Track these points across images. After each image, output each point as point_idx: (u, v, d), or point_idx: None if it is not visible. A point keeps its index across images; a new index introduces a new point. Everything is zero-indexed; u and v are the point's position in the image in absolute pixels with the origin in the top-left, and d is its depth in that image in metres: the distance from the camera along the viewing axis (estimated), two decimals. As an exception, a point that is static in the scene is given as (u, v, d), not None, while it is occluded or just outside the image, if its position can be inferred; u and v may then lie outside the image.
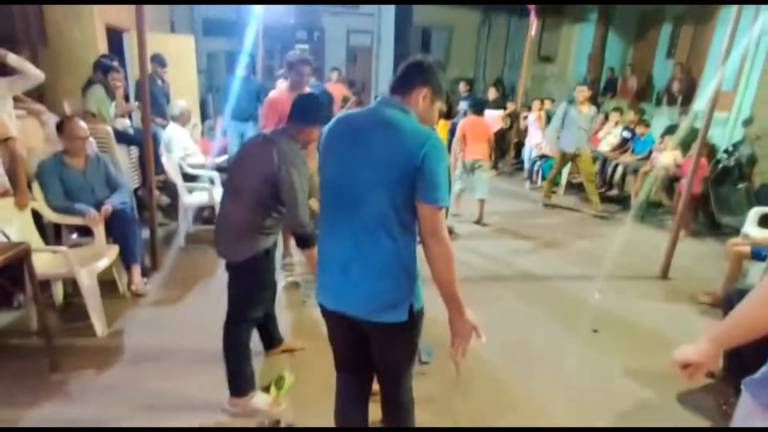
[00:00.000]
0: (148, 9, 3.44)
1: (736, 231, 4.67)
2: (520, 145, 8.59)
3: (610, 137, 7.16)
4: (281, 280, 3.44)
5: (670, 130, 6.38)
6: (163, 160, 4.31)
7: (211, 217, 4.47)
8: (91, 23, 5.83)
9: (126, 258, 3.23)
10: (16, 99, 3.64)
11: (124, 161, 4.47)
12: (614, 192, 6.63)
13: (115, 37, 6.49)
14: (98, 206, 3.16)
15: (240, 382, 2.20)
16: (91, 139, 3.42)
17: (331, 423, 1.78)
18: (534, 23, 8.19)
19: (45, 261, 2.78)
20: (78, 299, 2.85)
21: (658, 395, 2.56)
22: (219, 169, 4.79)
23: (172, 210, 4.74)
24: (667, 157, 5.70)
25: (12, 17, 5.61)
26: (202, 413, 2.23)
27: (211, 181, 4.45)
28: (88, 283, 2.75)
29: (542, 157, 7.15)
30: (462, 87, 7.60)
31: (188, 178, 4.48)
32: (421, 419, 1.79)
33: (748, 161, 5.41)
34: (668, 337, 3.14)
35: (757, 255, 3.31)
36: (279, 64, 10.96)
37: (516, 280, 3.94)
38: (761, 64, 5.95)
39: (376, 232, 1.42)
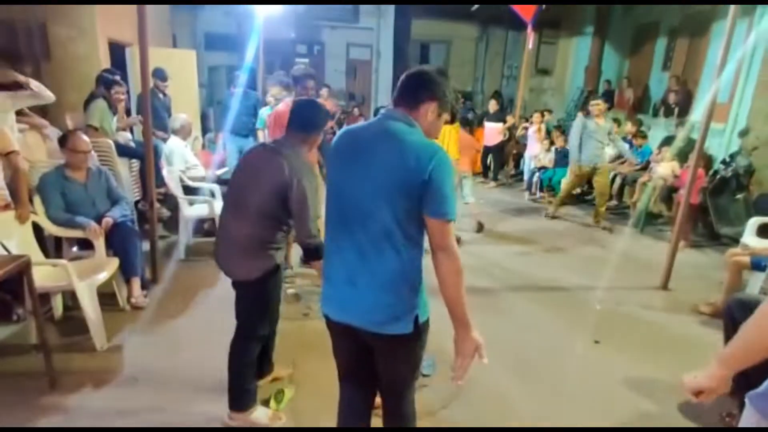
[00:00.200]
0: (151, 24, 3.49)
1: (735, 241, 4.68)
2: (518, 157, 8.65)
3: (608, 148, 7.20)
4: (282, 291, 3.44)
5: (668, 141, 6.44)
6: (164, 172, 4.34)
7: (211, 230, 4.47)
8: (94, 38, 5.90)
9: (126, 271, 3.23)
10: (19, 113, 3.68)
11: (126, 174, 4.50)
12: (613, 203, 6.66)
13: (117, 51, 6.57)
14: (99, 219, 3.17)
15: (243, 397, 2.18)
16: (92, 152, 3.45)
17: (332, 435, 1.77)
18: (531, 37, 8.30)
19: (45, 274, 2.78)
20: (77, 312, 2.84)
21: (659, 406, 2.54)
22: (220, 181, 4.81)
23: (172, 222, 4.75)
24: (665, 167, 5.74)
25: (15, 32, 5.69)
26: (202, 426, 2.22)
27: (212, 194, 4.47)
28: (87, 296, 2.75)
29: (540, 168, 7.19)
30: None
31: (189, 190, 4.50)
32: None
33: (745, 172, 5.44)
34: (669, 348, 3.13)
35: (756, 265, 3.31)
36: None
37: (516, 291, 3.93)
38: (756, 76, 6.01)
39: (381, 244, 1.42)
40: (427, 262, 1.48)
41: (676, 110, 7.45)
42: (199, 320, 3.19)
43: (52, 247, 3.33)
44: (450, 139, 5.28)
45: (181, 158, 4.68)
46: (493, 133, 7.85)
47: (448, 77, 1.52)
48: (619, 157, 6.94)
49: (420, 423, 1.75)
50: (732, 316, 2.45)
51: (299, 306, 3.44)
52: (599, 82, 10.27)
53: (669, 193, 5.68)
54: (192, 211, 4.35)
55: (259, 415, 2.22)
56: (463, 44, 13.33)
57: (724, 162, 5.69)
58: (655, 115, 8.18)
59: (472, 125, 5.93)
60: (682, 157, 5.73)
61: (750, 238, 4.16)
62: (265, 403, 2.35)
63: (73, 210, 3.15)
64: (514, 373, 2.78)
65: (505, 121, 8.02)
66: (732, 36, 3.47)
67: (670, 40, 8.51)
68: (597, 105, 5.48)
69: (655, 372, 2.81)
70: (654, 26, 8.84)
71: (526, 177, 7.57)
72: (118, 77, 4.84)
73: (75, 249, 3.42)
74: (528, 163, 7.54)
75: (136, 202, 4.67)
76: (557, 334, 3.28)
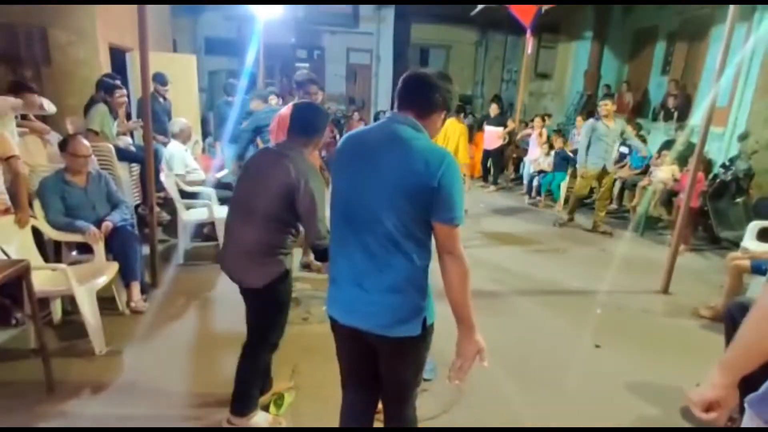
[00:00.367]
0: (151, 28, 3.50)
1: (735, 245, 4.68)
2: (518, 161, 8.66)
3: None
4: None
5: (668, 145, 6.44)
6: (162, 177, 4.33)
7: (211, 234, 4.47)
8: (95, 43, 5.93)
9: (125, 275, 3.22)
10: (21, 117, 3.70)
11: (126, 178, 4.50)
12: (613, 206, 6.66)
13: (118, 56, 6.59)
14: (99, 223, 3.16)
15: (246, 402, 2.16)
16: (92, 156, 3.45)
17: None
18: (530, 41, 8.33)
19: (44, 278, 2.78)
20: (77, 316, 2.84)
21: (661, 410, 2.53)
22: (220, 185, 4.80)
23: (172, 227, 4.74)
24: (665, 171, 5.74)
25: (16, 37, 5.71)
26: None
27: (211, 198, 4.46)
28: (86, 300, 2.74)
29: (540, 172, 7.20)
30: None
31: (188, 195, 4.50)
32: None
33: (745, 175, 5.44)
34: (670, 352, 3.11)
35: (757, 269, 3.30)
36: (279, 82, 11.11)
37: (516, 295, 3.92)
38: (755, 80, 6.03)
39: (389, 247, 1.42)
40: (432, 264, 1.48)
41: (676, 114, 7.47)
42: (199, 325, 3.18)
43: (52, 252, 3.33)
44: (461, 140, 5.29)
45: (181, 162, 4.68)
46: (493, 136, 7.86)
47: (452, 80, 1.52)
48: (618, 161, 6.96)
49: (421, 427, 1.74)
50: (733, 319, 2.44)
51: (299, 310, 3.43)
52: (599, 86, 10.30)
53: (669, 197, 5.68)
54: (190, 215, 4.34)
55: (259, 419, 2.21)
56: (463, 48, 13.38)
57: (723, 166, 5.69)
58: (655, 119, 8.20)
59: (471, 129, 5.94)
60: (682, 161, 5.74)
61: (750, 241, 4.16)
62: (265, 408, 2.33)
63: (73, 214, 3.14)
64: (515, 377, 2.77)
65: (505, 126, 8.04)
66: (731, 40, 3.48)
67: (669, 44, 8.55)
68: (605, 105, 5.32)
69: (656, 376, 2.80)
70: (653, 30, 8.87)
71: (525, 181, 7.58)
72: (118, 82, 4.85)
73: (74, 253, 3.42)
74: (528, 167, 7.55)
75: (136, 206, 4.66)
76: (558, 338, 3.27)
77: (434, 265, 1.46)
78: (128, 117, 5.91)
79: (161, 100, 5.71)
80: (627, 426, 2.43)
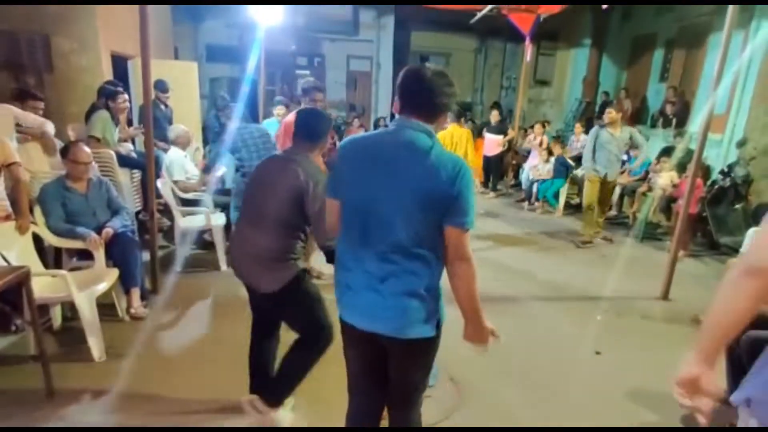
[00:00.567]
0: (153, 36, 3.53)
1: (734, 251, 4.68)
2: (518, 167, 8.69)
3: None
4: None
5: (667, 151, 6.47)
6: (158, 183, 4.33)
7: (210, 241, 4.47)
8: (97, 50, 5.97)
9: (125, 281, 3.22)
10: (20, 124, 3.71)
11: (127, 184, 4.51)
12: (613, 213, 6.67)
13: (120, 64, 6.63)
14: (99, 229, 3.17)
15: (282, 393, 2.17)
16: (93, 162, 3.46)
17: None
18: (529, 49, 8.38)
19: (44, 285, 2.78)
20: (76, 323, 2.84)
21: (661, 418, 2.53)
22: (219, 191, 4.81)
23: (173, 233, 4.74)
24: (664, 177, 5.76)
25: (19, 44, 5.76)
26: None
27: (217, 204, 4.47)
28: (86, 306, 2.74)
29: (537, 181, 7.22)
30: None
31: (187, 202, 4.51)
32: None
33: (743, 182, 5.46)
34: (670, 358, 3.09)
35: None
36: (280, 90, 11.17)
37: (515, 301, 3.92)
38: (752, 88, 6.07)
39: (406, 254, 1.45)
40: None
41: (674, 121, 7.50)
42: (199, 331, 3.18)
43: (52, 258, 3.33)
44: (468, 145, 5.28)
45: (181, 168, 4.70)
46: (493, 144, 7.89)
47: (451, 79, 1.53)
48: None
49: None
50: (733, 326, 2.44)
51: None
52: (597, 93, 10.36)
53: (668, 203, 5.70)
54: (187, 222, 4.35)
55: (283, 417, 2.23)
56: (462, 56, 13.45)
57: (722, 172, 5.71)
58: (653, 126, 8.24)
59: (471, 135, 5.95)
60: (681, 167, 5.76)
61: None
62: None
63: (74, 220, 3.15)
64: (515, 383, 2.77)
65: (506, 133, 8.06)
66: (728, 48, 3.51)
67: (667, 51, 8.60)
68: (609, 113, 5.21)
69: (657, 383, 2.78)
70: (651, 38, 8.94)
71: (524, 187, 7.59)
72: (120, 89, 4.88)
73: (74, 259, 3.42)
74: (527, 174, 7.57)
75: (137, 213, 4.67)
76: (558, 344, 3.26)
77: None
78: (129, 123, 5.93)
79: (162, 107, 5.74)
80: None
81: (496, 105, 8.68)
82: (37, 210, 3.11)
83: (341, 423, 1.79)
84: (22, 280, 2.27)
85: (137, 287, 3.28)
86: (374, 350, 1.58)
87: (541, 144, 7.45)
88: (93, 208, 3.27)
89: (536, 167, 7.30)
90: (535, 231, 6.09)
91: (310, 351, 2.13)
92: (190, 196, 4.60)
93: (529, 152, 8.00)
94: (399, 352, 1.57)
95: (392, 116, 11.74)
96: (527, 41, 8.20)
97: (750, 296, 1.02)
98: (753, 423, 1.11)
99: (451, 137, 5.12)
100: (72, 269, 3.15)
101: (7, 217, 2.96)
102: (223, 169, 4.69)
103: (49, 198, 3.13)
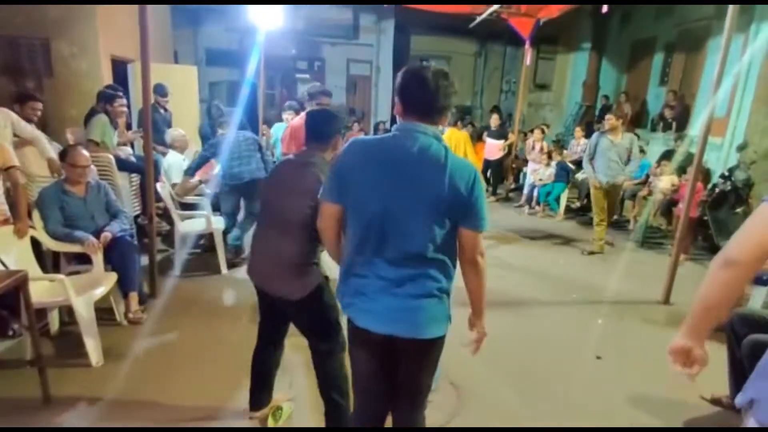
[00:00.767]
0: (153, 40, 3.53)
1: (736, 255, 4.65)
2: (518, 171, 8.68)
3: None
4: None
5: (667, 155, 6.46)
6: (158, 186, 4.32)
7: (210, 245, 4.46)
8: (97, 55, 5.98)
9: (124, 285, 3.20)
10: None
11: (126, 188, 4.50)
12: (614, 217, 6.64)
13: (120, 68, 6.64)
14: (98, 233, 3.16)
15: (347, 410, 2.07)
16: (92, 166, 3.45)
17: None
18: (529, 52, 8.40)
19: (42, 289, 2.76)
20: (74, 327, 2.82)
21: (663, 423, 2.50)
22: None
23: (172, 237, 4.73)
24: (664, 181, 5.75)
25: (19, 48, 5.77)
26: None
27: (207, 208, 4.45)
28: (84, 311, 2.73)
29: (536, 186, 7.22)
30: None
31: (187, 205, 4.49)
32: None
33: (744, 185, 5.45)
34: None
35: (758, 279, 3.28)
36: (279, 94, 11.19)
37: (516, 305, 3.90)
38: (753, 91, 6.07)
39: (422, 258, 1.48)
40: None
41: (674, 124, 7.50)
42: (197, 336, 3.16)
43: (50, 262, 3.32)
44: (467, 147, 5.28)
45: (179, 172, 4.68)
46: (494, 148, 7.89)
47: (451, 79, 1.52)
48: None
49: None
50: (734, 331, 2.43)
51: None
52: (597, 97, 10.36)
53: (669, 207, 5.68)
54: (186, 226, 4.34)
55: None
56: (462, 60, 13.48)
57: (723, 176, 5.70)
58: (653, 129, 8.24)
59: (471, 140, 5.96)
60: (681, 171, 5.75)
61: (751, 251, 4.13)
62: (264, 421, 2.31)
63: (72, 224, 3.14)
64: (516, 388, 2.74)
65: (506, 137, 8.06)
66: (728, 51, 3.51)
67: (666, 55, 8.61)
68: (609, 119, 5.05)
69: (658, 388, 2.77)
70: (650, 42, 8.95)
71: (525, 191, 7.59)
72: (120, 93, 4.88)
73: (73, 264, 3.40)
74: (528, 178, 7.57)
75: (136, 217, 4.66)
76: (559, 349, 3.24)
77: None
78: (128, 127, 5.93)
79: (162, 110, 5.74)
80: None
81: (496, 109, 8.68)
82: (36, 214, 3.10)
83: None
84: (19, 285, 2.26)
85: (135, 291, 3.27)
86: (387, 354, 1.60)
87: (541, 150, 7.43)
88: (91, 212, 3.26)
89: (537, 171, 7.29)
90: (535, 235, 6.07)
91: (338, 357, 2.09)
92: (188, 199, 4.58)
93: (528, 156, 8.00)
94: (414, 353, 1.59)
95: (393, 120, 11.72)
96: (527, 45, 8.21)
97: (724, 283, 1.16)
98: (752, 423, 1.14)
99: (449, 140, 5.12)
100: (70, 273, 3.13)
101: (5, 221, 2.95)
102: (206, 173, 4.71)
103: (48, 202, 3.11)
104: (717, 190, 5.42)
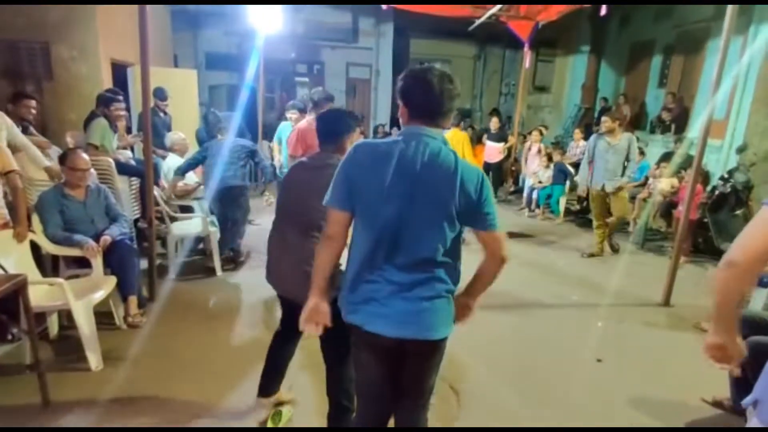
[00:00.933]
0: (152, 44, 3.54)
1: (736, 257, 4.65)
2: (517, 174, 8.69)
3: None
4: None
5: (666, 157, 6.47)
6: (156, 190, 4.32)
7: (207, 248, 4.45)
8: (97, 58, 5.99)
9: (123, 289, 3.19)
10: (23, 131, 3.72)
11: (125, 192, 4.50)
12: (613, 218, 6.64)
13: (119, 71, 6.66)
14: (97, 237, 3.15)
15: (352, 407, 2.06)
16: (91, 170, 3.45)
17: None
18: (528, 55, 8.41)
19: (41, 293, 2.76)
20: (73, 331, 2.81)
21: (663, 424, 2.49)
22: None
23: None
24: (664, 183, 5.75)
25: (19, 52, 5.78)
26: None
27: (210, 211, 4.45)
28: (83, 315, 2.72)
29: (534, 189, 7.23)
30: None
31: (183, 209, 4.48)
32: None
33: (744, 187, 5.45)
34: (672, 365, 3.08)
35: (759, 281, 3.28)
36: (279, 97, 11.20)
37: (516, 307, 3.89)
38: (752, 93, 6.08)
39: (432, 262, 1.50)
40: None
41: (673, 126, 7.51)
42: (196, 339, 3.15)
43: (49, 266, 3.31)
44: (466, 148, 5.28)
45: (180, 175, 4.68)
46: (494, 151, 7.88)
47: (454, 81, 1.52)
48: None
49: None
50: (735, 332, 2.42)
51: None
52: (596, 99, 10.38)
53: (668, 209, 5.68)
54: (181, 229, 4.33)
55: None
56: (462, 63, 13.49)
57: (722, 178, 5.70)
58: (652, 131, 8.25)
59: (471, 142, 5.97)
60: (680, 172, 5.75)
61: (751, 253, 4.13)
62: (263, 423, 2.30)
63: (72, 228, 3.13)
64: (516, 390, 2.74)
65: (506, 140, 8.07)
66: (726, 53, 3.51)
67: (665, 57, 8.63)
68: (605, 122, 4.98)
69: (659, 391, 2.76)
70: (649, 44, 8.97)
71: (525, 194, 7.58)
72: (119, 97, 4.88)
73: (72, 267, 3.39)
74: (527, 180, 7.57)
75: (136, 220, 4.65)
76: (559, 352, 3.23)
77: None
78: (128, 131, 5.93)
79: (161, 114, 5.74)
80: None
81: (495, 111, 8.69)
82: (35, 218, 3.10)
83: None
84: (19, 288, 2.26)
85: (134, 295, 3.26)
86: (394, 357, 1.61)
87: (539, 152, 7.43)
88: (91, 216, 3.25)
89: (536, 174, 7.29)
90: (535, 238, 6.07)
91: (349, 359, 2.01)
92: (184, 202, 4.58)
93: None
94: (423, 354, 1.61)
95: (392, 123, 11.71)
96: (526, 48, 8.23)
97: (727, 281, 1.26)
98: (756, 423, 1.18)
99: (451, 141, 5.13)
100: (69, 277, 3.13)
101: (5, 225, 2.94)
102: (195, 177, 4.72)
103: (47, 205, 3.11)
104: (717, 192, 5.42)
